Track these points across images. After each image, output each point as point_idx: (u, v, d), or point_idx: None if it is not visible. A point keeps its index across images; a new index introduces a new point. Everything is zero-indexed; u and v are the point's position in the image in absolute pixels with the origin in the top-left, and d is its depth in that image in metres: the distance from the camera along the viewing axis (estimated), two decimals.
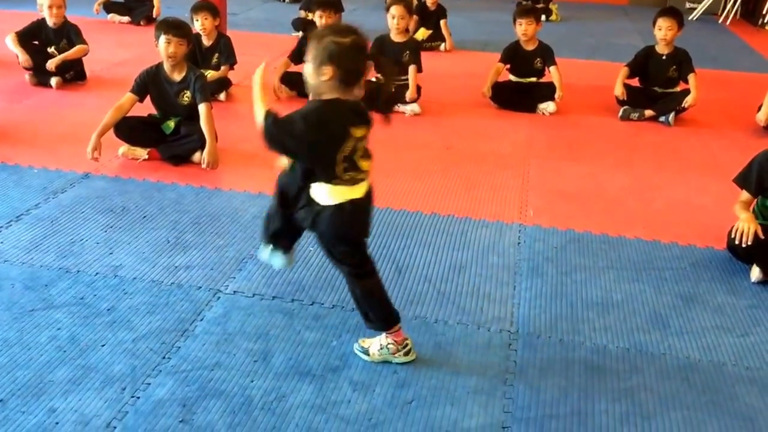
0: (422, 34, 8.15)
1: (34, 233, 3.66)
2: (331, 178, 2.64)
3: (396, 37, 6.01)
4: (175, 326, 3.00)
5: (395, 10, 5.96)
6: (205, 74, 5.45)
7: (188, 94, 4.62)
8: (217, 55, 5.94)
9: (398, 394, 2.68)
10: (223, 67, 5.93)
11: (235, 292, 3.27)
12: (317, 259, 3.57)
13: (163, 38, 4.52)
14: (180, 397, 2.60)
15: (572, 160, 5.15)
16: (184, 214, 3.95)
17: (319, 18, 6.09)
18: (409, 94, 5.89)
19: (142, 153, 4.63)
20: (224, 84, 5.97)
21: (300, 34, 7.78)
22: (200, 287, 3.28)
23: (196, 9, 5.88)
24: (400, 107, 5.93)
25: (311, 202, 2.71)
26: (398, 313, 2.83)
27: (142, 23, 8.59)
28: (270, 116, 2.62)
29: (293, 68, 6.22)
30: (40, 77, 5.97)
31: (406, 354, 2.85)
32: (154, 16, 8.57)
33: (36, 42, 6.03)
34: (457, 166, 4.90)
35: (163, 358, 2.80)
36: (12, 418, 2.45)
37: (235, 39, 6.17)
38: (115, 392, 2.60)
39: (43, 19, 6.01)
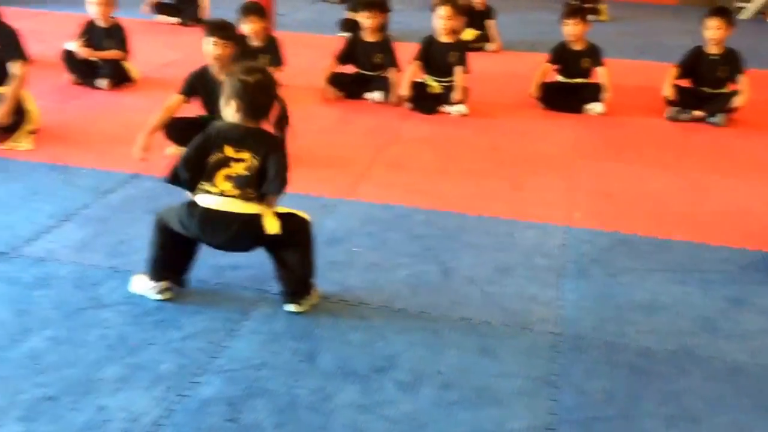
0: (470, 34, 8.11)
1: (84, 233, 3.73)
2: (191, 185, 3.02)
3: (443, 38, 5.99)
4: (222, 326, 3.02)
5: (442, 10, 5.94)
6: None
7: None
8: (264, 56, 5.98)
9: (443, 395, 2.68)
10: (270, 69, 5.96)
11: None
12: (362, 259, 3.58)
13: (208, 40, 4.57)
14: (227, 396, 2.62)
15: (619, 161, 5.08)
16: None
17: (365, 19, 6.10)
18: (455, 95, 5.87)
19: None
20: None
21: (347, 34, 7.80)
22: (246, 287, 3.30)
23: (244, 11, 5.92)
24: (447, 108, 5.91)
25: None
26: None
27: (190, 24, 8.69)
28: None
29: (341, 69, 6.25)
30: (85, 79, 6.07)
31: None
32: (201, 17, 8.67)
33: (89, 44, 6.14)
34: (503, 167, 4.88)
35: (211, 357, 2.83)
36: (63, 415, 2.50)
37: (283, 39, 6.21)
38: (162, 391, 2.63)
39: (93, 20, 6.11)
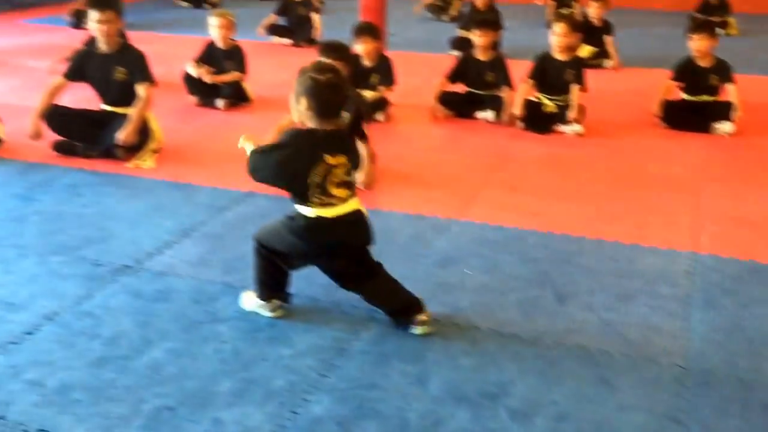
0: (586, 51, 7.94)
1: (201, 249, 3.81)
2: (304, 201, 2.97)
3: (558, 55, 5.87)
4: (333, 344, 3.02)
5: (558, 27, 5.82)
6: (363, 95, 5.54)
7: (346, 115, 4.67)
8: (375, 75, 6.01)
9: (559, 426, 2.57)
10: (381, 88, 6.00)
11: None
12: (474, 282, 3.51)
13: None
14: (337, 415, 2.60)
15: (752, 185, 4.83)
16: None
17: (477, 37, 6.05)
18: (571, 114, 5.74)
19: None
20: (383, 104, 6.04)
21: (458, 53, 7.77)
22: (357, 306, 3.29)
23: (358, 31, 5.98)
24: (562, 127, 5.79)
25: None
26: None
27: (303, 45, 8.86)
28: (254, 151, 2.99)
29: (451, 87, 6.22)
30: (206, 99, 6.27)
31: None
32: (315, 38, 8.82)
33: (208, 65, 6.33)
34: (622, 189, 4.71)
35: (321, 375, 2.82)
36: (181, 426, 2.54)
37: (394, 59, 6.23)
38: (275, 407, 2.64)
39: (213, 42, 6.31)
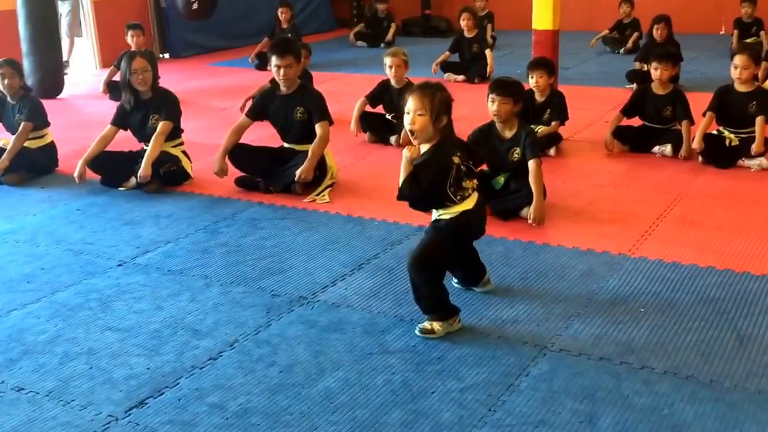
0: None
1: (373, 281, 3.93)
2: (445, 203, 3.33)
3: (741, 87, 5.62)
4: (501, 379, 3.02)
5: (738, 59, 5.58)
6: (536, 130, 5.53)
7: (518, 150, 4.69)
8: (549, 110, 5.99)
9: None
10: (553, 123, 5.96)
11: (561, 350, 3.22)
12: (648, 320, 3.41)
13: (490, 97, 4.67)
14: None
15: None
16: (512, 269, 4.00)
17: (655, 70, 5.89)
18: (755, 147, 5.46)
19: None
20: (555, 139, 6.00)
21: (634, 86, 7.59)
22: (526, 342, 3.28)
23: (531, 67, 5.99)
24: (745, 162, 5.52)
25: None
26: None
27: (476, 81, 8.94)
28: (405, 184, 3.30)
29: (626, 122, 6.09)
30: (379, 135, 6.47)
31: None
32: (488, 74, 8.88)
33: (382, 103, 6.54)
34: None
35: (489, 410, 2.84)
36: None
37: (567, 93, 6.18)
38: None
39: (388, 80, 6.50)
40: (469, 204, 3.38)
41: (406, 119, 3.28)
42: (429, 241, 3.37)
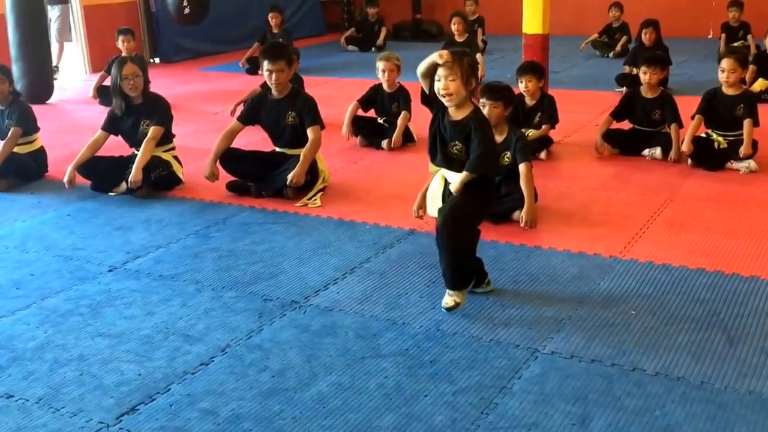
0: (761, 84, 7.57)
1: (365, 285, 3.93)
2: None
3: (728, 91, 5.65)
4: (494, 382, 3.03)
5: (725, 63, 5.61)
6: (526, 134, 5.54)
7: (508, 154, 4.70)
8: (539, 114, 6.00)
9: None
10: (544, 126, 5.97)
11: (553, 352, 3.23)
12: (639, 322, 3.43)
13: (481, 102, 4.67)
14: None
15: None
16: (504, 272, 4.00)
17: (644, 74, 5.92)
18: (744, 150, 5.49)
19: None
20: (545, 143, 6.01)
21: (624, 89, 7.62)
22: (518, 345, 3.29)
23: (520, 71, 6.00)
24: (734, 164, 5.55)
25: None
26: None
27: None
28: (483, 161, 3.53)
29: (615, 125, 6.11)
30: (370, 139, 6.47)
31: None
32: (478, 78, 8.90)
33: (373, 107, 6.54)
34: None
35: (482, 413, 2.84)
36: None
37: (557, 97, 6.20)
38: None
39: (380, 85, 6.51)
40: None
41: (438, 85, 3.46)
42: (464, 200, 3.54)
